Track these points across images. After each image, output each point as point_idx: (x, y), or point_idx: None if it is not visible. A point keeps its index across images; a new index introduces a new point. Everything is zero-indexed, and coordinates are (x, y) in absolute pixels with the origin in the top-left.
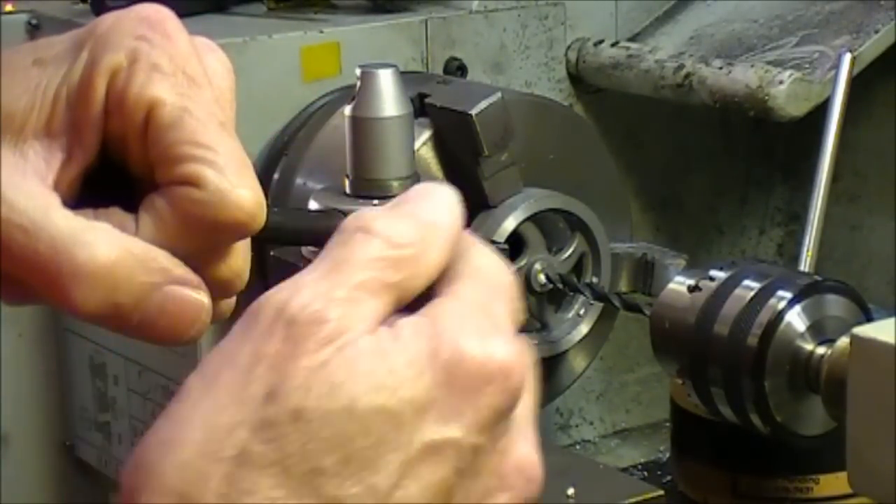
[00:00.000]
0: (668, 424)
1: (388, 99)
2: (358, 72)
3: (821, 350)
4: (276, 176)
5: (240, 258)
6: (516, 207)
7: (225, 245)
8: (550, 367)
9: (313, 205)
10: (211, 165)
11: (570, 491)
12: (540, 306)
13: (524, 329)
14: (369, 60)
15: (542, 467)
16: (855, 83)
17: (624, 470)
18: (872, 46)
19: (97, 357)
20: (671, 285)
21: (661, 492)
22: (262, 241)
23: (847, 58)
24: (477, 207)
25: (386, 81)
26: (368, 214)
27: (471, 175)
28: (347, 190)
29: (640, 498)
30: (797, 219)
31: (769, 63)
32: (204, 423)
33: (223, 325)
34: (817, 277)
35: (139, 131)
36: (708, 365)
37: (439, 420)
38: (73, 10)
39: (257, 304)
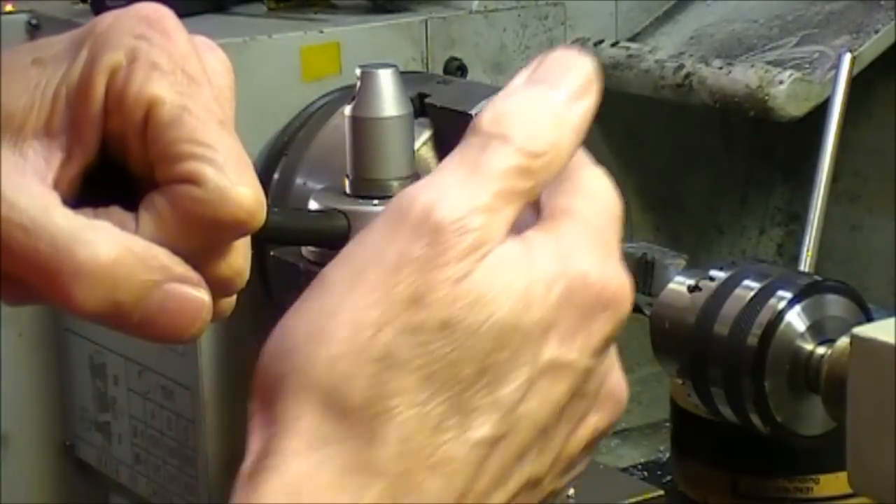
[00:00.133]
0: (668, 424)
1: (388, 99)
2: (358, 72)
3: (821, 350)
4: (276, 176)
5: (240, 256)
6: None
7: (225, 243)
8: None
9: (313, 205)
10: (210, 163)
11: (570, 491)
12: None
13: None
14: (369, 60)
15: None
16: (855, 83)
17: (624, 470)
18: (872, 46)
19: (97, 357)
20: (671, 285)
21: (661, 492)
22: (263, 241)
23: (847, 58)
24: None
25: (386, 81)
26: (506, 116)
27: None
28: (347, 190)
29: (640, 498)
30: (797, 219)
31: (769, 63)
32: (350, 319)
33: (224, 324)
34: (817, 277)
35: (139, 130)
36: (708, 365)
37: (561, 341)
38: (73, 10)
39: (404, 200)
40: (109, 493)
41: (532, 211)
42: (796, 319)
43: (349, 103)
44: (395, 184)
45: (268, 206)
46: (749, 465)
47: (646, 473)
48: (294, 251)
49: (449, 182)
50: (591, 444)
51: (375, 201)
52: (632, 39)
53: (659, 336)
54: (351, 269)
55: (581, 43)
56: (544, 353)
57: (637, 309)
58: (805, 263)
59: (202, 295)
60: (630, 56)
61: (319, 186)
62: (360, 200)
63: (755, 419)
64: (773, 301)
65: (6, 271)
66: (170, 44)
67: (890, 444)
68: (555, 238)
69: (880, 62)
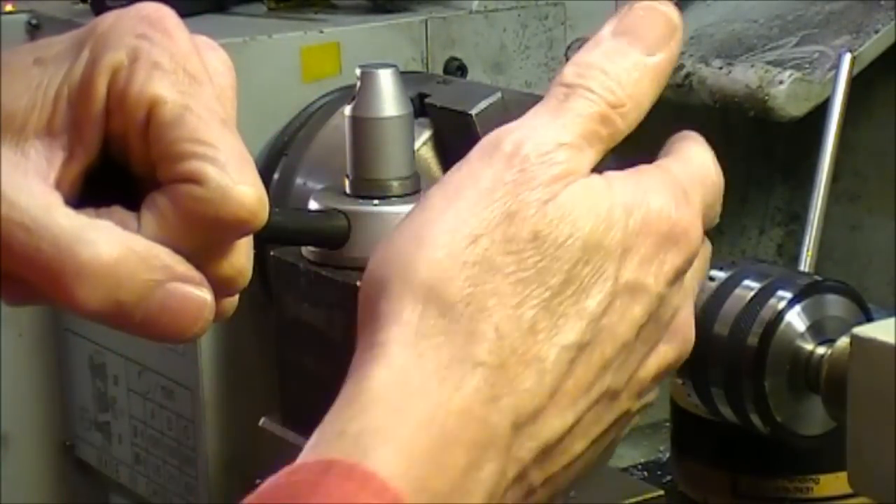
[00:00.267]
0: (668, 424)
1: (388, 99)
2: (358, 72)
3: (821, 350)
4: (276, 176)
5: (242, 256)
6: None
7: (227, 242)
8: None
9: (313, 205)
10: (212, 162)
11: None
12: None
13: None
14: (369, 60)
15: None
16: (855, 83)
17: (624, 470)
18: (872, 46)
19: (97, 357)
20: None
21: (661, 492)
22: (263, 241)
23: (847, 58)
24: None
25: (386, 81)
26: (588, 68)
27: None
28: (347, 190)
29: (640, 498)
30: (797, 219)
31: (769, 63)
32: (449, 229)
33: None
34: (817, 277)
35: (140, 129)
36: (708, 365)
37: (639, 264)
38: (73, 10)
39: (496, 136)
40: (109, 493)
41: None
42: (796, 319)
43: (349, 103)
44: (395, 184)
45: (269, 205)
46: (749, 465)
47: (646, 473)
48: (294, 251)
49: (536, 123)
50: (661, 375)
51: (375, 201)
52: None
53: None
54: (449, 190)
55: (581, 43)
56: (624, 272)
57: None
58: (805, 263)
59: (204, 294)
60: None
61: (319, 186)
62: (360, 200)
63: (755, 419)
64: (773, 301)
65: (8, 271)
66: (171, 43)
67: (890, 444)
68: (636, 179)
69: (880, 62)
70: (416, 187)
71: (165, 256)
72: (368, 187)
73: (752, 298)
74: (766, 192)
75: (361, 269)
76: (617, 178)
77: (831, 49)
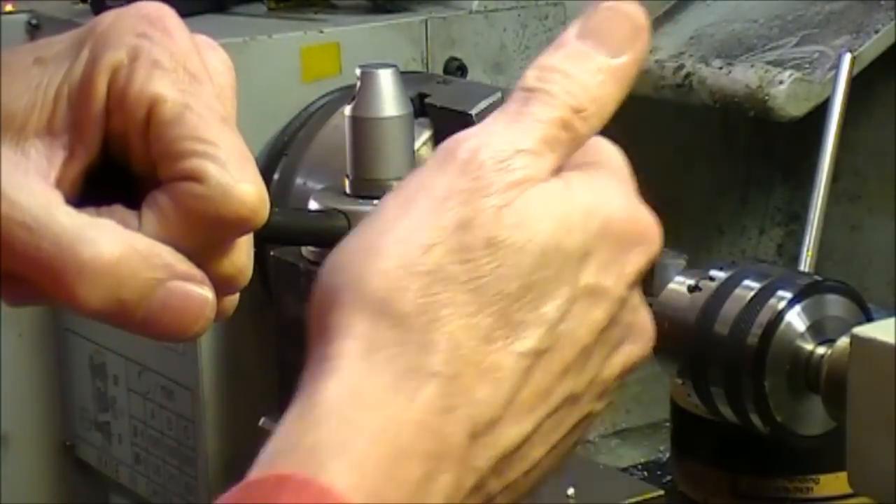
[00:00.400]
0: (668, 424)
1: (388, 99)
2: (358, 72)
3: (821, 350)
4: (276, 176)
5: (243, 254)
6: None
7: (228, 240)
8: None
9: (313, 205)
10: (213, 160)
11: (570, 491)
12: None
13: None
14: (369, 60)
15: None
16: (855, 83)
17: (624, 470)
18: (872, 46)
19: (97, 357)
20: (671, 285)
21: (661, 492)
22: (263, 241)
23: (847, 58)
24: None
25: (386, 81)
26: (550, 72)
27: None
28: (347, 190)
29: (640, 498)
30: (797, 219)
31: (769, 63)
32: (402, 238)
33: (224, 324)
34: (817, 277)
35: (141, 128)
36: (708, 365)
37: (599, 268)
38: (73, 10)
39: (453, 142)
40: (109, 493)
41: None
42: (796, 319)
43: (349, 103)
44: (395, 184)
45: (270, 203)
46: (749, 465)
47: (646, 473)
48: (294, 251)
49: (494, 129)
50: (624, 374)
51: (375, 201)
52: None
53: (659, 336)
54: (403, 198)
55: None
56: (583, 276)
57: None
58: (805, 263)
59: (206, 292)
60: None
61: (319, 186)
62: (360, 200)
63: (755, 419)
64: (773, 301)
65: (10, 270)
66: (171, 42)
67: (890, 444)
68: (590, 178)
69: (880, 62)
70: None
71: (167, 255)
72: (368, 187)
73: (752, 298)
74: (766, 192)
75: None
76: (576, 180)
77: (831, 49)
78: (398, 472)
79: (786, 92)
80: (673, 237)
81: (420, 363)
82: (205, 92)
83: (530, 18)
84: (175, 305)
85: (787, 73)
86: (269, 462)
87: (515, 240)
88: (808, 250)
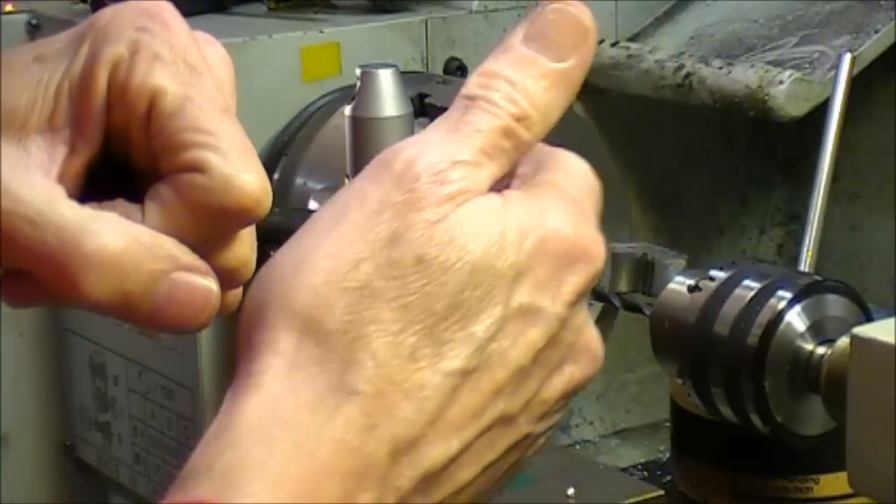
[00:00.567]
0: (668, 424)
1: (388, 99)
2: (358, 72)
3: (821, 350)
4: (276, 176)
5: (246, 246)
6: None
7: (231, 232)
8: None
9: (313, 205)
10: (215, 151)
11: (570, 491)
12: None
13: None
14: (369, 60)
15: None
16: (855, 83)
17: (624, 470)
18: (872, 46)
19: (97, 357)
20: (671, 285)
21: (661, 492)
22: (263, 242)
23: (847, 58)
24: None
25: (386, 81)
26: (493, 79)
27: None
28: None
29: (640, 498)
30: (797, 219)
31: (769, 63)
32: (331, 254)
33: (224, 324)
34: (817, 277)
35: (142, 121)
36: (708, 365)
37: (534, 288)
38: (73, 10)
39: (390, 152)
40: (109, 493)
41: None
42: (796, 319)
43: (349, 103)
44: None
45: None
46: (749, 465)
47: (646, 473)
48: None
49: (432, 139)
50: (567, 395)
51: None
52: (632, 39)
53: (659, 336)
54: (335, 211)
55: None
56: (516, 296)
57: (637, 309)
58: (805, 263)
59: (210, 284)
60: (630, 56)
61: (319, 186)
62: None
63: (755, 419)
64: (773, 301)
65: (14, 266)
66: (170, 35)
67: (890, 444)
68: (532, 197)
69: (880, 62)
70: None
71: (170, 246)
72: None
73: (752, 298)
74: (766, 192)
75: None
76: (514, 197)
77: (831, 49)
78: (316, 491)
79: (786, 92)
80: (673, 237)
81: (342, 382)
82: (205, 84)
83: None
84: (179, 297)
85: (787, 73)
86: (183, 486)
87: (445, 259)
88: (808, 250)
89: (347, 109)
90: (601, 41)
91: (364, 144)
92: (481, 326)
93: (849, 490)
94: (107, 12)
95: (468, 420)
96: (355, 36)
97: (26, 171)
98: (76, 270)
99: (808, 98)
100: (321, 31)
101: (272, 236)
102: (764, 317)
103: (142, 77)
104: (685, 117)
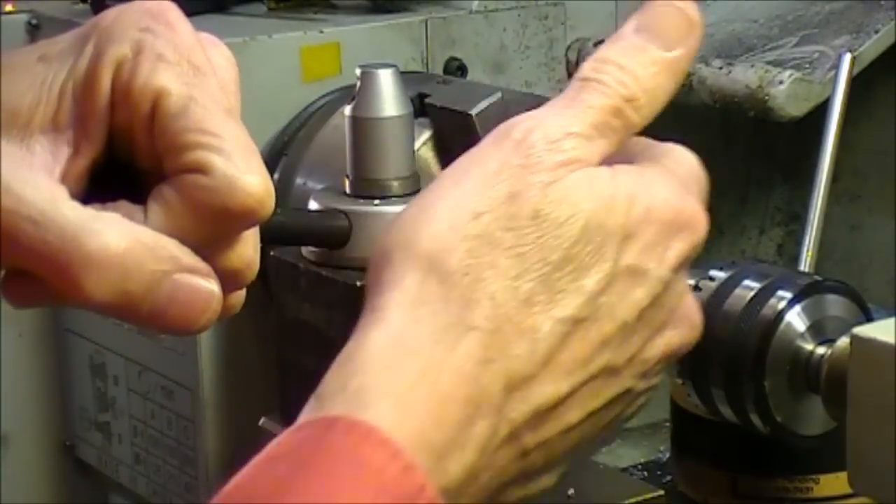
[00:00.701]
0: (668, 424)
1: (388, 99)
2: (358, 72)
3: (821, 350)
4: (276, 176)
5: (249, 247)
6: None
7: (234, 233)
8: None
9: (313, 205)
10: (218, 152)
11: (570, 491)
12: None
13: None
14: (369, 60)
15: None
16: (855, 83)
17: (624, 470)
18: (872, 46)
19: (97, 357)
20: None
21: (661, 492)
22: (264, 242)
23: (847, 58)
24: None
25: (386, 81)
26: (605, 63)
27: None
28: (347, 190)
29: (640, 498)
30: (797, 219)
31: (769, 63)
32: (453, 205)
33: (224, 324)
34: (817, 277)
35: (146, 122)
36: (708, 365)
37: (641, 250)
38: (73, 10)
39: (508, 124)
40: (109, 493)
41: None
42: (796, 319)
43: (349, 103)
44: (395, 184)
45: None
46: (749, 465)
47: (646, 473)
48: (294, 251)
49: (548, 113)
50: (667, 358)
51: (376, 201)
52: None
53: None
54: (457, 172)
55: (581, 43)
56: (625, 256)
57: None
58: (805, 263)
59: (212, 285)
60: None
61: (319, 186)
62: (361, 200)
63: (755, 419)
64: (773, 301)
65: (16, 266)
66: (174, 35)
67: (890, 444)
68: (640, 171)
69: (880, 62)
70: (416, 187)
71: (173, 247)
72: (369, 187)
73: (752, 298)
74: (766, 192)
75: (361, 269)
76: (622, 170)
77: (831, 49)
78: (439, 414)
79: (786, 92)
80: None
81: (462, 318)
82: (209, 84)
83: (530, 18)
84: (181, 298)
85: (787, 73)
86: (318, 405)
87: (559, 214)
88: (808, 250)
89: (347, 109)
90: (601, 41)
91: (364, 144)
92: (592, 280)
93: (849, 490)
94: (111, 13)
95: (577, 366)
96: (355, 36)
97: (29, 170)
98: (78, 270)
99: (808, 98)
100: (321, 31)
101: (275, 237)
102: (764, 317)
103: (145, 77)
104: (685, 117)
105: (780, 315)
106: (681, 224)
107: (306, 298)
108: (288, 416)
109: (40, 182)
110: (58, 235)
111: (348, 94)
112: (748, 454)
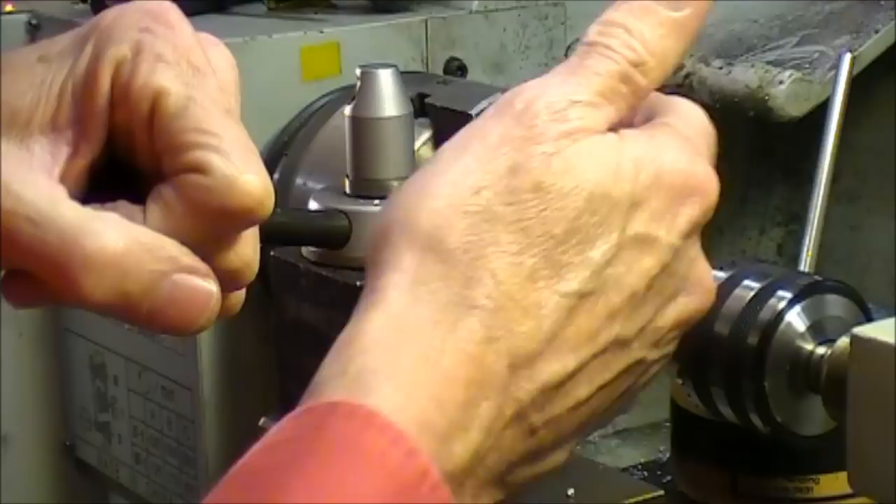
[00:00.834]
0: (668, 424)
1: (388, 99)
2: (358, 72)
3: (821, 350)
4: (276, 176)
5: (249, 247)
6: None
7: (233, 233)
8: None
9: (313, 205)
10: (217, 152)
11: (570, 491)
12: None
13: None
14: (369, 60)
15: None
16: (855, 83)
17: (624, 470)
18: (872, 46)
19: (97, 357)
20: None
21: (661, 492)
22: (264, 242)
23: (847, 58)
24: None
25: (386, 81)
26: (611, 27)
27: None
28: (347, 190)
29: (640, 498)
30: (797, 219)
31: (769, 63)
32: (453, 181)
33: (224, 324)
34: (817, 277)
35: (145, 122)
36: (708, 365)
37: (649, 218)
38: (73, 10)
39: (510, 94)
40: (109, 493)
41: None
42: (796, 319)
43: (349, 103)
44: (395, 184)
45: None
46: (749, 465)
47: (646, 473)
48: (294, 251)
49: (552, 81)
50: (681, 325)
51: (376, 201)
52: None
53: None
54: (457, 145)
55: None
56: (632, 225)
57: None
58: (805, 263)
59: (211, 286)
60: None
61: (319, 186)
62: (361, 200)
63: (755, 419)
64: (773, 301)
65: (15, 266)
66: (174, 35)
67: (890, 444)
68: (648, 135)
69: (880, 62)
70: None
71: (172, 248)
72: (368, 187)
73: (752, 298)
74: (766, 192)
75: (361, 270)
76: (629, 136)
77: (831, 49)
78: (442, 396)
79: (786, 92)
80: None
81: (463, 296)
82: (208, 84)
83: (530, 18)
84: (180, 298)
85: (787, 73)
86: (318, 390)
87: (562, 186)
88: (808, 250)
89: (347, 109)
90: None
91: (364, 144)
92: (598, 252)
93: (849, 490)
94: (111, 13)
95: (584, 340)
96: (355, 36)
97: (29, 170)
98: (77, 271)
99: (808, 98)
100: (321, 31)
101: (275, 237)
102: (764, 317)
103: (145, 77)
104: None
105: (780, 315)
106: (691, 189)
107: (306, 298)
108: None
109: (40, 182)
110: (57, 235)
111: (348, 94)
112: (748, 454)
